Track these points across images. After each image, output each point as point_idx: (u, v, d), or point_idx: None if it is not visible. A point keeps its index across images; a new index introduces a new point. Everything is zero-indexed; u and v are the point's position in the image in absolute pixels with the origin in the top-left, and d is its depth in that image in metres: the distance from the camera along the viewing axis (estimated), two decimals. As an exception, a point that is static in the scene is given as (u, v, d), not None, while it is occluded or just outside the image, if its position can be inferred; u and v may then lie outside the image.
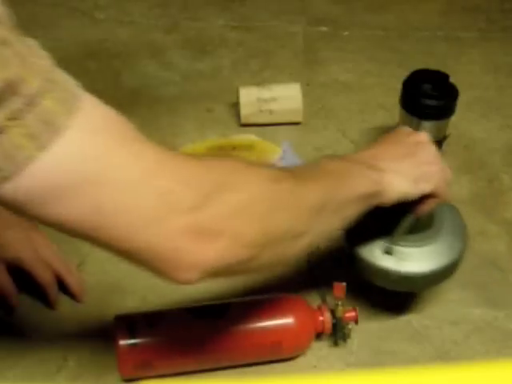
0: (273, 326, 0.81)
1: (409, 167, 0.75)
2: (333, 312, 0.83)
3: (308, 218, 0.67)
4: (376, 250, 0.82)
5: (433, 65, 1.04)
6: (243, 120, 1.17)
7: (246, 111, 1.16)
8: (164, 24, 1.47)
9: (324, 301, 0.88)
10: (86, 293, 0.91)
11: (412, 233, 0.82)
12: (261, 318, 0.82)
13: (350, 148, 1.16)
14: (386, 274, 0.82)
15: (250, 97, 1.16)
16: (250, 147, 1.13)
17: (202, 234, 0.57)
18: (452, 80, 1.01)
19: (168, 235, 0.57)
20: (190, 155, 0.67)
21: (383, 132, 1.18)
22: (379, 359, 0.85)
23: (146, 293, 0.91)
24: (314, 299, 0.88)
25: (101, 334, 0.86)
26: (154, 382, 0.80)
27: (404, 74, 1.03)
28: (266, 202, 0.62)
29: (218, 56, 1.37)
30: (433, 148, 0.79)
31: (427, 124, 1.01)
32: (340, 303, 0.83)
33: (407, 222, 0.80)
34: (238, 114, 1.18)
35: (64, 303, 0.90)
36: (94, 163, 0.54)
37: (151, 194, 0.56)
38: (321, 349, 0.86)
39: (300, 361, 0.85)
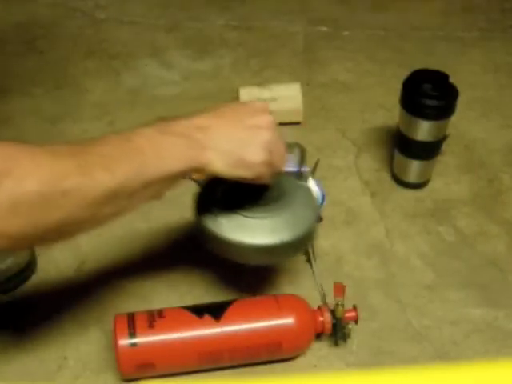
0: (273, 326, 0.81)
1: (234, 150, 0.73)
2: (333, 312, 0.83)
3: (93, 208, 0.65)
4: (227, 222, 0.80)
5: (433, 65, 1.04)
6: (243, 120, 1.17)
7: (246, 111, 1.16)
8: (164, 24, 1.47)
9: (324, 301, 0.88)
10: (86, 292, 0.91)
11: (261, 205, 0.81)
12: (261, 317, 0.82)
13: (350, 148, 1.16)
14: (237, 247, 0.79)
15: (250, 97, 1.16)
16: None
17: None
18: (452, 80, 1.01)
19: None
20: None
21: (383, 132, 1.18)
22: (379, 359, 0.85)
23: (146, 293, 0.92)
24: (314, 299, 0.88)
25: (101, 334, 0.86)
26: (154, 381, 0.80)
27: (404, 73, 1.03)
28: (43, 201, 0.61)
29: (218, 56, 1.37)
30: (269, 134, 0.75)
31: (427, 124, 1.01)
32: (340, 303, 0.83)
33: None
34: (238, 114, 1.18)
35: (64, 303, 0.90)
36: None
37: None
38: (321, 349, 0.86)
39: (300, 361, 0.85)
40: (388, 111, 1.22)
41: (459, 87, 1.01)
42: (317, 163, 0.96)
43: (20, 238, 0.63)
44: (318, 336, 0.85)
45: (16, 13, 1.44)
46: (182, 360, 0.80)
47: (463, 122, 1.19)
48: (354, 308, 0.84)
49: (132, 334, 0.78)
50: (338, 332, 0.84)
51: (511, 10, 1.54)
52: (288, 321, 0.82)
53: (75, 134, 1.15)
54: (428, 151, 1.06)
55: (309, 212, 0.84)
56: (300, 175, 0.89)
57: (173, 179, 0.71)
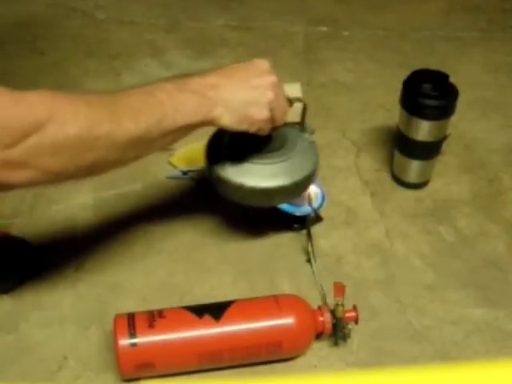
0: (273, 326, 0.81)
1: (240, 108, 0.82)
2: (333, 312, 0.83)
3: (120, 151, 0.75)
4: (232, 168, 0.89)
5: (433, 65, 1.04)
6: (243, 120, 1.17)
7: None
8: (164, 24, 1.47)
9: (324, 301, 0.88)
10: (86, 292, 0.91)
11: (264, 153, 0.90)
12: (261, 317, 0.82)
13: (350, 148, 1.16)
14: (240, 189, 0.89)
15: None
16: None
17: (10, 166, 0.68)
18: (452, 80, 1.01)
19: None
20: (12, 91, 0.69)
21: (383, 132, 1.18)
22: (379, 359, 0.85)
23: (146, 293, 0.92)
24: (314, 299, 0.88)
25: (101, 334, 0.86)
26: (153, 381, 0.80)
27: (404, 73, 1.03)
28: (80, 143, 0.71)
29: (218, 56, 1.37)
30: (272, 94, 0.84)
31: (427, 124, 1.01)
32: (340, 303, 0.83)
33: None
34: (238, 114, 1.18)
35: (64, 303, 0.90)
36: None
37: None
38: (321, 349, 0.86)
39: (300, 361, 0.85)
40: (388, 111, 1.22)
41: (459, 87, 1.01)
42: (304, 109, 0.96)
43: (61, 175, 0.73)
44: (318, 336, 0.85)
45: (16, 13, 1.44)
46: (181, 360, 0.80)
47: (463, 121, 1.19)
48: (354, 308, 0.84)
49: (132, 334, 0.78)
50: (338, 332, 0.84)
51: (511, 10, 1.54)
52: (288, 321, 0.82)
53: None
54: (428, 151, 1.06)
55: (307, 161, 0.93)
56: (303, 127, 0.96)
57: (187, 130, 0.81)
